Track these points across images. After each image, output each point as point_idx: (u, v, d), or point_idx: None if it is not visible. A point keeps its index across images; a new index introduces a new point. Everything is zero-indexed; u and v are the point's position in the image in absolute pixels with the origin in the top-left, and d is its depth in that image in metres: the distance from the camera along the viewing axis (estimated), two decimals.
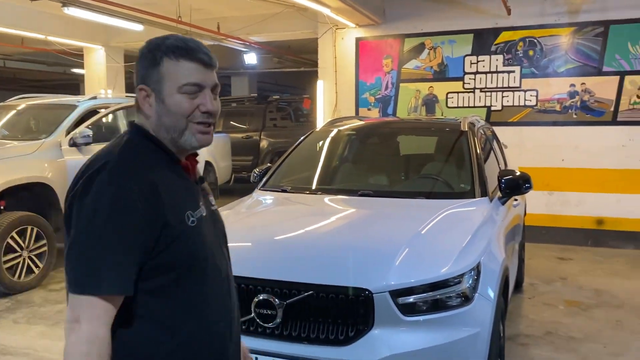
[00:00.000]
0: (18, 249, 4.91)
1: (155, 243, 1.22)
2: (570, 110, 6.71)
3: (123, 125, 6.64)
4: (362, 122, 4.76)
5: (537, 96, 6.82)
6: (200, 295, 1.30)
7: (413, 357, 2.32)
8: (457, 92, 7.22)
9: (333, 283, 2.40)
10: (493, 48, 6.98)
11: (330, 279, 2.43)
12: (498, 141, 5.02)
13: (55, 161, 5.41)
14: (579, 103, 6.67)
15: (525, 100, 6.89)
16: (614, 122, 6.54)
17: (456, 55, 7.18)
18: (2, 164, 4.98)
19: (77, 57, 10.19)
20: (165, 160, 1.32)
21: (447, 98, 7.26)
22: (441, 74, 7.29)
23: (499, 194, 3.56)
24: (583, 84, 6.64)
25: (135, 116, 1.37)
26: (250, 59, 10.57)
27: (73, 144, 5.61)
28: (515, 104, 6.93)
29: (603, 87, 6.57)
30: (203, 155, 7.33)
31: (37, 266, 5.09)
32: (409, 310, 2.38)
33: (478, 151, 3.74)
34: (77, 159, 5.61)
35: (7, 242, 4.80)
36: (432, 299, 2.42)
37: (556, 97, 6.76)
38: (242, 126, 11.17)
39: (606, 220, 6.63)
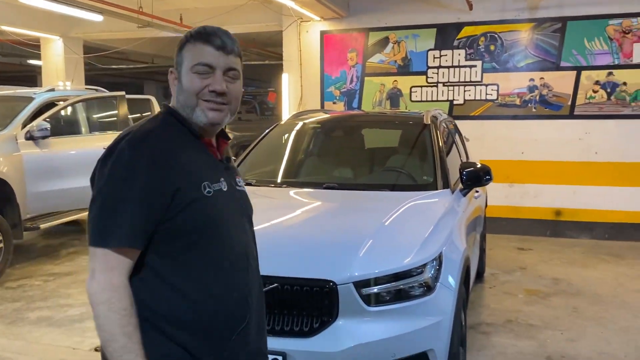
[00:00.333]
0: None
1: (167, 207, 1.31)
2: (529, 104, 6.87)
3: (83, 119, 6.48)
4: (327, 115, 4.77)
5: (497, 90, 6.97)
6: (211, 264, 1.38)
7: (377, 346, 2.35)
8: (421, 86, 7.30)
9: (297, 275, 2.41)
10: (455, 43, 7.08)
11: (295, 271, 2.43)
12: (460, 134, 5.11)
13: (10, 155, 5.24)
14: (538, 97, 6.84)
15: (486, 94, 7.02)
16: (571, 115, 6.74)
17: (420, 50, 7.25)
18: None
19: (33, 48, 9.86)
20: (188, 137, 1.42)
21: (411, 92, 7.34)
22: (405, 68, 7.35)
23: (460, 185, 3.63)
24: (542, 78, 6.81)
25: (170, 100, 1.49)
26: None
27: (30, 137, 5.44)
28: (476, 98, 7.06)
29: (561, 82, 6.75)
30: None
31: None
32: (372, 300, 2.41)
33: (440, 144, 3.80)
34: (34, 153, 5.46)
35: None
36: (395, 289, 2.46)
37: (516, 92, 6.91)
38: None
39: (564, 211, 6.84)
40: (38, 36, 9.44)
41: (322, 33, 7.66)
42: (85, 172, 5.78)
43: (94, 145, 6.20)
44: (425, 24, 7.17)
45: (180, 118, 1.43)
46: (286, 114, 7.64)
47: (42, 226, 5.68)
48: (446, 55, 7.13)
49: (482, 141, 6.72)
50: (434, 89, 7.24)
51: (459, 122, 5.49)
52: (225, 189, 1.43)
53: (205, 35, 1.41)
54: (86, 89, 7.16)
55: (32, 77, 14.73)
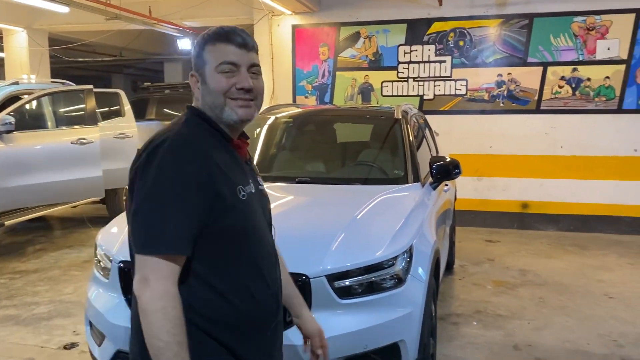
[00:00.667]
0: None
1: (209, 212, 1.33)
2: (497, 99, 7.00)
3: (49, 113, 6.33)
4: (299, 110, 4.77)
5: (466, 85, 7.07)
6: (250, 265, 1.42)
7: (349, 338, 2.38)
8: (392, 81, 7.36)
9: None
10: (425, 38, 7.15)
11: None
12: (430, 129, 5.17)
13: None
14: (505, 92, 6.98)
15: (455, 89, 7.12)
16: (537, 110, 6.89)
17: (390, 45, 7.30)
18: None
19: None
20: (218, 138, 1.44)
21: (382, 87, 7.39)
22: (376, 63, 7.40)
23: (430, 179, 3.68)
24: (509, 74, 6.94)
25: (193, 101, 1.51)
26: (184, 44, 10.32)
27: None
28: (446, 93, 7.15)
29: (528, 77, 6.89)
30: (135, 143, 7.12)
31: None
32: (345, 293, 2.43)
33: (411, 138, 3.85)
34: None
35: None
36: (367, 281, 2.48)
37: (484, 87, 7.03)
38: (177, 113, 10.86)
39: (530, 204, 7.00)
40: (0, 27, 9.16)
41: (294, 27, 7.64)
42: (52, 167, 5.69)
43: (61, 139, 6.08)
44: (395, 19, 7.23)
45: (210, 121, 1.45)
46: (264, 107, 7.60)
47: (7, 223, 5.55)
48: (416, 50, 7.20)
49: (451, 135, 6.82)
50: (405, 84, 7.31)
51: (429, 117, 5.56)
52: (253, 191, 1.47)
53: (226, 35, 1.43)
54: (52, 82, 6.99)
55: None
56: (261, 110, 4.84)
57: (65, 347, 3.61)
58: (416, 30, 7.18)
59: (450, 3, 6.96)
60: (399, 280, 2.56)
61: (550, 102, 6.86)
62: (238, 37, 1.43)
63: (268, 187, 3.47)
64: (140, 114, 10.24)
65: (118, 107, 7.26)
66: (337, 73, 7.54)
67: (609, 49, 6.66)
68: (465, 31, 7.03)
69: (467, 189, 6.64)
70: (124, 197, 7.31)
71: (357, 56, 7.46)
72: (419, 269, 2.67)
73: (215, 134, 1.44)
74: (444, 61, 7.12)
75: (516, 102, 6.96)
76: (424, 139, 4.53)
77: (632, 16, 6.54)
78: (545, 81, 6.84)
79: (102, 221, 3.91)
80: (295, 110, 4.72)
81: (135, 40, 11.39)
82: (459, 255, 5.57)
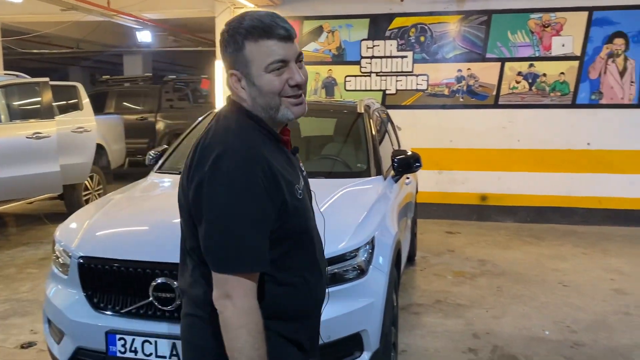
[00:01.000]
0: None
1: (277, 219, 1.33)
2: (457, 94, 7.14)
3: (2, 106, 6.11)
4: None
5: (427, 80, 7.19)
6: (308, 258, 1.44)
7: None
8: (355, 76, 7.40)
9: None
10: (387, 33, 7.22)
11: None
12: (392, 123, 5.24)
13: None
14: (465, 87, 7.12)
15: (417, 84, 7.22)
16: (495, 105, 7.06)
17: (353, 40, 7.35)
18: None
19: None
20: (269, 138, 1.40)
21: (345, 81, 7.43)
22: (339, 58, 7.43)
23: (392, 172, 3.74)
24: (469, 69, 7.09)
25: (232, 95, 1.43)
26: (144, 37, 10.13)
27: None
28: (408, 88, 7.25)
29: (486, 73, 7.05)
30: (93, 137, 6.96)
31: None
32: None
33: (373, 132, 3.90)
34: None
35: None
36: (330, 273, 2.51)
37: (445, 82, 7.16)
38: (137, 107, 10.71)
39: (489, 196, 7.18)
40: None
41: None
42: (6, 162, 5.51)
43: (16, 134, 5.89)
44: (358, 14, 7.27)
45: (262, 123, 1.39)
46: (220, 102, 7.54)
47: None
48: (379, 45, 7.27)
49: (413, 130, 6.92)
50: (368, 78, 7.37)
51: (391, 111, 5.63)
52: (304, 183, 1.47)
53: (267, 29, 1.32)
54: (5, 74, 6.76)
55: None
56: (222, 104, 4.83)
57: (22, 346, 3.53)
58: (378, 26, 7.24)
59: None
60: (361, 272, 2.60)
61: (507, 97, 7.03)
62: (281, 29, 1.33)
63: None
64: (99, 108, 10.00)
65: (76, 100, 7.08)
66: None
67: (563, 45, 6.87)
68: (426, 27, 7.13)
69: (428, 183, 6.76)
70: (83, 193, 7.15)
71: (320, 50, 7.47)
72: (380, 260, 2.72)
73: (265, 134, 1.39)
74: (406, 56, 7.21)
75: (475, 97, 7.11)
76: (386, 133, 4.59)
77: (585, 14, 6.76)
78: (503, 76, 7.01)
79: (60, 217, 3.82)
80: None
81: (93, 32, 11.11)
82: (420, 246, 5.68)
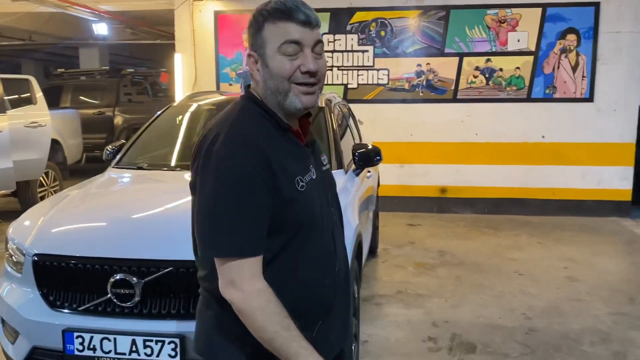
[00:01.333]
0: None
1: (272, 207, 1.30)
2: (417, 89, 7.24)
3: None
4: (222, 97, 4.72)
5: (388, 75, 7.26)
6: (306, 256, 1.38)
7: None
8: None
9: (193, 258, 2.39)
10: (348, 28, 7.26)
11: (190, 253, 2.40)
12: (353, 117, 5.28)
13: None
14: (424, 82, 7.23)
15: (378, 78, 7.29)
16: (454, 99, 7.20)
17: None
18: None
19: None
20: (275, 127, 1.36)
21: None
22: None
23: (353, 166, 3.77)
24: (428, 64, 7.19)
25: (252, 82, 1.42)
26: (101, 29, 9.87)
27: None
28: (369, 82, 7.31)
29: (445, 68, 7.18)
30: (48, 132, 6.76)
31: None
32: None
33: (334, 126, 3.92)
34: None
35: None
36: None
37: (405, 76, 7.25)
38: (94, 101, 10.45)
39: (448, 188, 7.33)
40: None
41: (216, 13, 7.51)
42: None
43: None
44: (318, 7, 7.19)
45: (264, 107, 1.37)
46: (180, 95, 7.44)
47: None
48: (340, 39, 7.30)
49: (375, 124, 6.99)
50: (330, 72, 7.38)
51: (353, 106, 5.67)
52: (314, 177, 1.40)
53: (287, 12, 1.31)
54: None
55: None
56: (183, 97, 4.75)
57: None
58: (339, 20, 7.27)
59: None
60: None
61: (465, 91, 7.18)
62: (301, 14, 1.31)
63: (189, 176, 3.46)
64: (54, 102, 9.71)
65: (28, 94, 6.85)
66: None
67: (519, 40, 7.05)
68: (387, 21, 7.20)
69: (390, 176, 6.85)
70: (39, 189, 6.95)
71: None
72: None
73: (270, 121, 1.36)
74: (367, 51, 7.26)
75: (434, 92, 7.23)
76: (348, 127, 4.62)
77: (539, 10, 6.95)
78: (461, 71, 7.14)
79: (13, 215, 3.70)
80: (218, 98, 4.67)
81: (47, 24, 10.76)
82: (382, 239, 5.76)
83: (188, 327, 2.35)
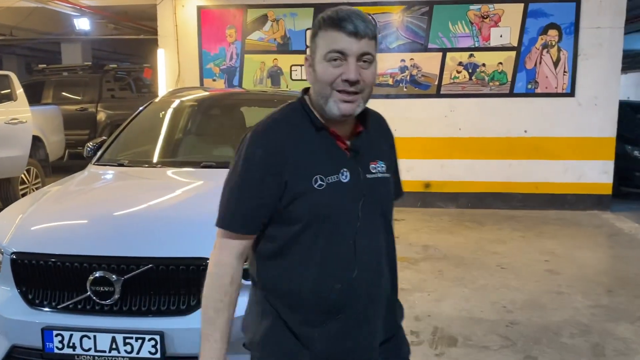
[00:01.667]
0: None
1: (278, 198, 1.39)
2: (401, 84, 7.27)
3: None
4: (204, 93, 4.70)
5: None
6: (312, 253, 1.41)
7: None
8: (301, 65, 7.39)
9: (172, 255, 2.40)
10: None
11: (169, 251, 2.42)
12: None
13: None
14: (408, 77, 7.25)
15: None
16: (437, 94, 7.24)
17: (298, 29, 7.34)
18: None
19: None
20: (311, 126, 1.43)
21: (291, 70, 7.42)
22: (284, 47, 7.41)
23: None
24: (412, 59, 7.22)
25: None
26: (82, 24, 9.76)
27: None
28: None
29: (429, 63, 7.21)
30: (29, 129, 6.68)
31: None
32: (248, 275, 2.46)
33: None
34: None
35: None
36: None
37: (389, 72, 7.27)
38: (76, 97, 10.34)
39: (433, 183, 7.37)
40: None
41: (199, 8, 7.46)
42: None
43: None
44: (302, 2, 7.26)
45: (306, 108, 1.45)
46: (163, 91, 7.39)
47: None
48: None
49: None
50: None
51: None
52: (346, 180, 1.42)
53: (337, 21, 1.37)
54: None
55: None
56: (164, 93, 4.72)
57: None
58: None
59: None
60: None
61: (449, 86, 7.22)
62: (350, 25, 1.36)
63: (171, 173, 3.45)
64: (35, 98, 9.60)
65: (8, 90, 6.76)
66: (246, 56, 7.48)
67: (501, 36, 7.10)
68: (370, 17, 7.18)
69: None
70: (20, 187, 6.88)
71: (265, 39, 7.43)
72: None
73: (308, 121, 1.43)
74: None
75: (418, 87, 7.26)
76: None
77: (522, 6, 7.01)
78: (444, 66, 7.18)
79: None
80: (199, 94, 4.65)
81: (27, 19, 10.61)
82: None
83: (168, 323, 2.36)
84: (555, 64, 7.05)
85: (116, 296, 2.37)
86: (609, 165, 7.12)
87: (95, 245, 2.46)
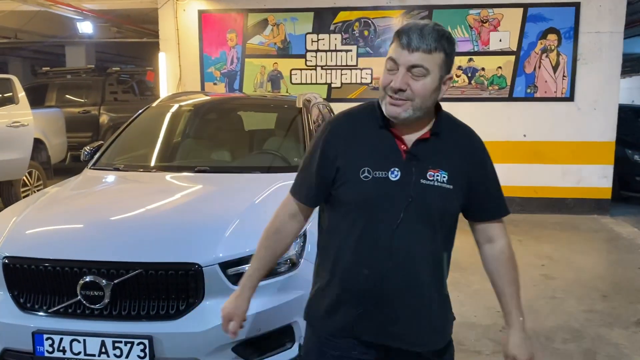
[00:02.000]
0: None
1: (331, 180, 1.60)
2: None
3: None
4: (201, 98, 4.74)
5: (372, 74, 7.29)
6: (347, 240, 1.58)
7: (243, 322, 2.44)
8: (300, 69, 7.43)
9: (162, 260, 2.42)
10: (332, 27, 7.28)
11: (159, 256, 2.45)
12: None
13: None
14: None
15: (361, 78, 7.33)
16: None
17: (298, 33, 7.37)
18: None
19: None
20: (377, 123, 1.58)
21: (291, 74, 7.45)
22: (285, 51, 7.45)
23: None
24: None
25: None
26: (85, 27, 9.83)
27: None
28: (353, 82, 7.34)
29: None
30: (30, 132, 6.75)
31: None
32: (238, 279, 2.46)
33: (311, 127, 3.95)
34: None
35: None
36: None
37: None
38: (79, 100, 10.41)
39: None
40: None
41: (200, 12, 7.51)
42: None
43: None
44: (302, 7, 7.29)
45: (378, 106, 1.60)
46: (164, 94, 7.43)
47: None
48: (323, 39, 7.32)
49: None
50: (313, 72, 7.41)
51: (337, 105, 5.68)
52: (395, 179, 1.54)
53: (399, 33, 1.51)
54: None
55: None
56: (162, 98, 4.76)
57: None
58: (323, 19, 7.29)
59: None
60: (293, 264, 2.65)
61: (448, 90, 7.19)
62: (405, 37, 1.48)
63: (165, 177, 3.48)
64: (39, 101, 9.69)
65: (10, 94, 6.82)
66: (246, 60, 7.52)
67: (500, 40, 7.11)
68: (370, 21, 7.23)
69: None
70: (22, 189, 6.94)
71: (265, 43, 7.46)
72: (313, 252, 2.77)
73: (376, 118, 1.59)
74: (350, 50, 7.29)
75: None
76: None
77: (521, 10, 7.02)
78: None
79: None
80: (197, 99, 4.68)
81: (31, 22, 10.70)
82: None
83: (157, 328, 2.39)
84: (555, 68, 7.05)
85: (106, 300, 2.40)
86: (609, 170, 7.11)
87: (86, 250, 2.49)
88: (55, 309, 2.45)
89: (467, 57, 7.14)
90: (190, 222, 2.72)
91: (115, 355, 2.36)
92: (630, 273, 4.95)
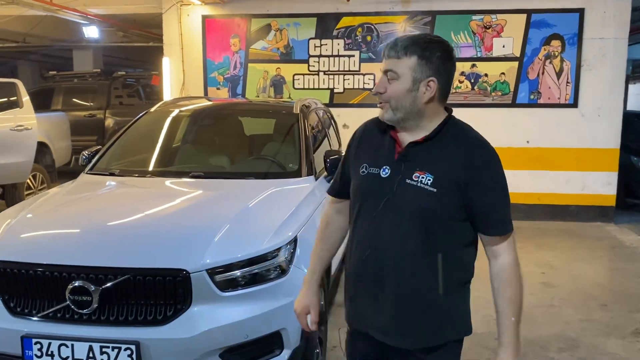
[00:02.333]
0: None
1: (349, 176, 1.81)
2: None
3: None
4: (198, 104, 4.75)
5: (374, 80, 7.29)
6: (353, 230, 1.76)
7: (229, 329, 2.45)
8: (303, 74, 7.45)
9: (149, 266, 2.43)
10: (335, 32, 7.29)
11: (147, 262, 2.45)
12: (334, 123, 5.31)
13: None
14: None
15: (364, 83, 7.32)
16: None
17: (301, 38, 7.39)
18: None
19: None
20: (386, 126, 1.71)
21: (293, 79, 7.46)
22: (287, 56, 7.46)
23: (325, 173, 3.80)
24: None
25: None
26: (91, 32, 9.90)
27: None
28: (355, 87, 7.34)
29: None
30: (34, 136, 6.81)
31: None
32: (226, 286, 2.49)
33: (307, 133, 3.95)
34: None
35: None
36: (250, 273, 2.56)
37: None
38: (85, 103, 10.49)
39: None
40: None
41: (204, 17, 7.55)
42: None
43: None
44: (306, 12, 7.31)
45: None
46: (168, 97, 7.47)
47: None
48: (326, 44, 7.33)
49: None
50: (316, 77, 7.42)
51: (339, 110, 5.70)
52: (384, 176, 1.66)
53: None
54: None
55: None
56: (164, 102, 4.79)
57: None
58: (326, 25, 7.30)
59: None
60: (282, 271, 2.65)
61: (451, 96, 7.03)
62: (387, 45, 1.66)
63: (160, 183, 3.49)
64: (45, 104, 9.77)
65: (15, 98, 6.89)
66: (249, 65, 7.54)
67: (504, 46, 7.08)
68: (373, 27, 7.24)
69: None
70: (26, 192, 7.00)
71: (268, 48, 7.49)
72: (304, 259, 2.77)
73: (383, 125, 1.73)
74: (353, 55, 7.30)
75: None
76: (326, 133, 4.65)
77: (524, 16, 6.99)
78: None
79: None
80: (195, 104, 4.69)
81: (38, 26, 10.79)
82: None
83: (144, 333, 2.40)
84: (558, 74, 7.01)
85: (94, 305, 2.41)
86: (613, 177, 7.05)
87: (75, 255, 2.50)
88: (44, 313, 2.46)
89: (470, 63, 7.12)
90: (179, 227, 2.72)
91: None
92: (630, 282, 4.90)
